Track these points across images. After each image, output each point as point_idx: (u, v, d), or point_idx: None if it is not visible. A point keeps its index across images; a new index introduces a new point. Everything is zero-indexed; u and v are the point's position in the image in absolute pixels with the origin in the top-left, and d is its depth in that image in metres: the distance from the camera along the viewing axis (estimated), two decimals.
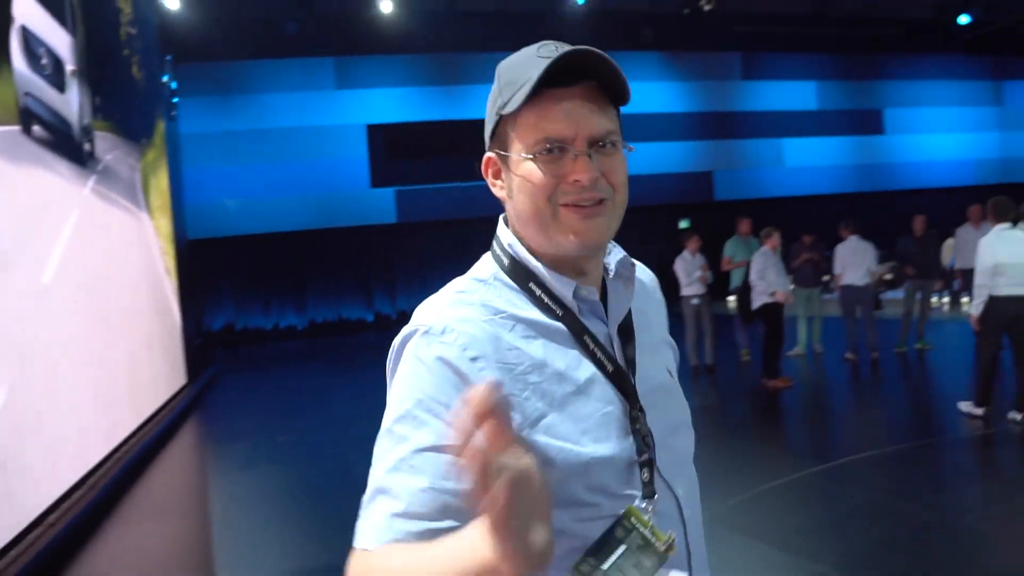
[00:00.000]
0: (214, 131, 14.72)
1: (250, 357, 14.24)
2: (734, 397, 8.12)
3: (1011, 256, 5.61)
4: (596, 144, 0.97)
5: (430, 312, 0.97)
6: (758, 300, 7.87)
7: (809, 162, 18.10)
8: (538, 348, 0.97)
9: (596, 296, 1.02)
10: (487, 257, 1.06)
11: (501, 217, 1.06)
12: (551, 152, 0.95)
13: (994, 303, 5.70)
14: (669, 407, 1.07)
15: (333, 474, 6.00)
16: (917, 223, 9.11)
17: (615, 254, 1.08)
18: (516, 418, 0.92)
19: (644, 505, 0.97)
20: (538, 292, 1.01)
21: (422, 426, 0.88)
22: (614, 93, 0.99)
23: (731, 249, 9.41)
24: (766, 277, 7.79)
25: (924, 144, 19.18)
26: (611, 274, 1.07)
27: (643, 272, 1.19)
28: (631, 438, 0.99)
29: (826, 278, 11.56)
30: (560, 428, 0.94)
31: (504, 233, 1.05)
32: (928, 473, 5.18)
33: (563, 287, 1.00)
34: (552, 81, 0.93)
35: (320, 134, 15.43)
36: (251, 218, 15.04)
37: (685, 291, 8.59)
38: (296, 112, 15.21)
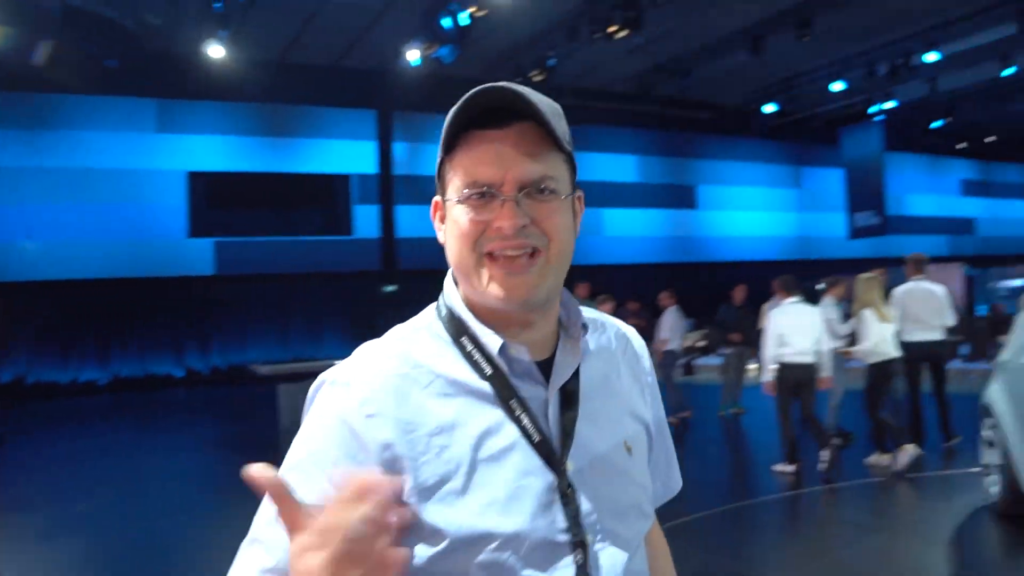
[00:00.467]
0: (20, 166, 15.79)
1: (44, 414, 14.81)
2: None
3: (794, 327, 7.44)
4: (526, 189, 1.04)
5: (347, 361, 1.08)
6: None
7: (627, 232, 21.75)
8: (453, 408, 1.04)
9: (526, 355, 1.08)
10: (431, 306, 1.17)
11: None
12: (480, 196, 1.04)
13: (781, 369, 7.50)
14: (614, 486, 1.11)
15: (141, 546, 6.16)
16: (737, 293, 11.07)
17: (571, 309, 1.17)
18: (408, 482, 0.99)
19: None
20: (469, 347, 1.09)
21: (307, 480, 0.97)
22: (555, 135, 1.04)
23: None
24: None
25: (733, 220, 23.69)
26: (565, 332, 1.15)
27: (617, 333, 1.28)
28: (555, 515, 1.04)
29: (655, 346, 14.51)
30: (461, 497, 1.00)
31: (447, 282, 1.16)
32: (748, 532, 6.35)
33: (490, 343, 1.07)
34: (484, 122, 1.05)
35: (136, 178, 16.99)
36: (53, 262, 16.20)
37: None
38: (112, 153, 16.67)
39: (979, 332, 16.00)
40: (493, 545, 1.00)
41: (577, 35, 14.68)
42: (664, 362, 10.98)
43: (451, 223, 1.09)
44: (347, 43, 16.29)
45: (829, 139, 24.30)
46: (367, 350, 1.11)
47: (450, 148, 1.09)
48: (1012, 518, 5.70)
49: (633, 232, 22.02)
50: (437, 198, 1.14)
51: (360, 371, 1.07)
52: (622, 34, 14.01)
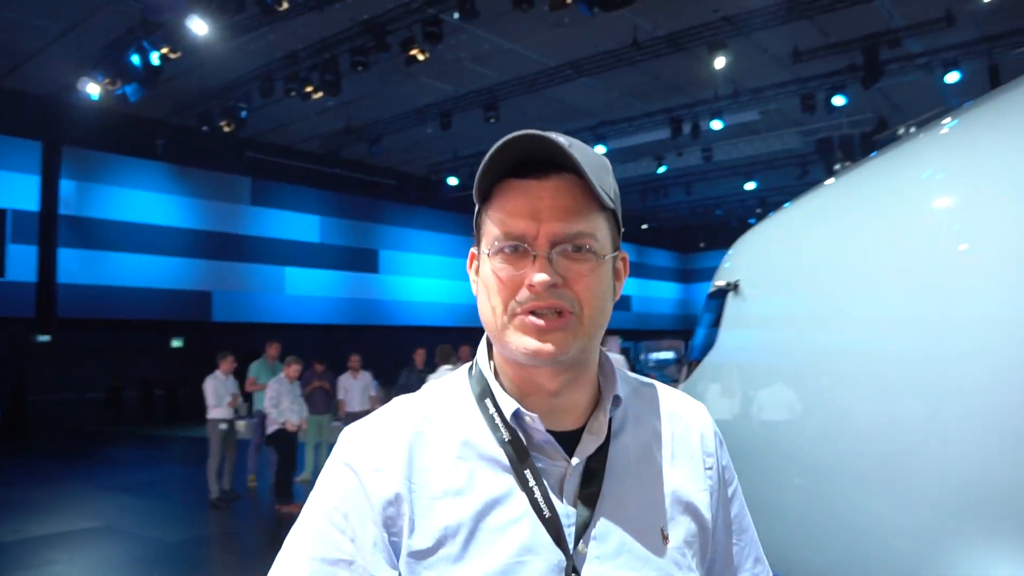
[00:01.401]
0: None
1: None
2: (253, 525, 9.31)
3: None
4: (561, 246, 1.02)
5: (375, 412, 1.11)
6: (271, 427, 9.37)
7: (309, 292, 21.92)
8: (463, 472, 1.04)
9: (540, 424, 1.05)
10: (468, 363, 1.17)
11: None
12: (513, 251, 1.02)
13: None
14: (650, 570, 1.04)
15: None
16: (418, 357, 11.46)
17: (608, 378, 1.14)
18: (403, 543, 1.01)
19: None
20: (491, 410, 1.09)
21: (318, 534, 1.03)
22: (595, 190, 1.01)
23: (256, 371, 10.86)
24: (279, 405, 9.34)
25: (413, 286, 24.66)
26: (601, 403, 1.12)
27: (673, 410, 1.20)
28: None
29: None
30: (454, 566, 0.99)
31: (483, 340, 1.15)
32: None
33: (506, 406, 1.07)
34: (523, 171, 1.02)
35: None
36: None
37: (213, 413, 9.70)
38: None
39: None
40: None
41: (271, 90, 14.89)
42: (349, 422, 11.38)
43: (484, 276, 1.09)
44: (12, 63, 15.14)
45: None
46: (395, 404, 1.14)
47: (486, 197, 1.09)
48: None
49: (315, 292, 22.23)
50: (474, 249, 1.15)
51: (379, 423, 1.10)
52: (318, 96, 14.50)
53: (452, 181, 22.41)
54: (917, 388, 2.68)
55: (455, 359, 9.10)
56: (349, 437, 1.09)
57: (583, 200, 1.04)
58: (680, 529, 1.10)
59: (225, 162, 19.82)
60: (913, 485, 2.64)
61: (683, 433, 1.19)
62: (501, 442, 1.06)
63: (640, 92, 17.22)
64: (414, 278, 25.00)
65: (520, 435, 1.07)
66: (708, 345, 5.26)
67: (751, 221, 29.01)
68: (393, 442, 1.06)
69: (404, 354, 12.31)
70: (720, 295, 5.06)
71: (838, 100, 15.05)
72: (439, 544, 1.01)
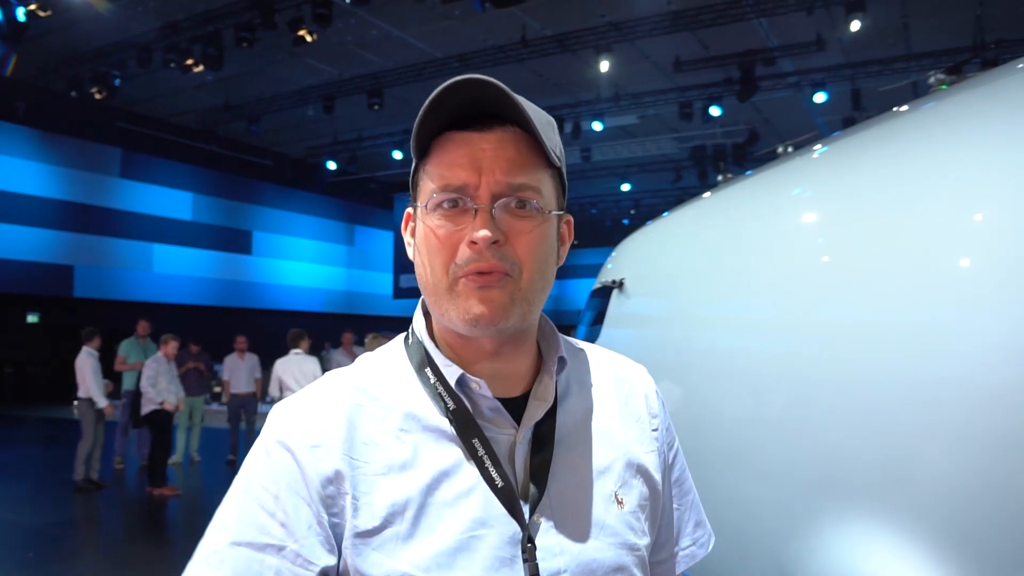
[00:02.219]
0: None
1: None
2: (121, 508, 8.98)
3: (294, 375, 8.58)
4: (504, 199, 0.96)
5: (306, 388, 1.03)
6: (147, 407, 9.12)
7: (179, 270, 21.24)
8: (407, 446, 0.97)
9: (488, 390, 1.00)
10: (401, 335, 1.11)
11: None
12: (452, 205, 0.96)
13: None
14: (592, 544, 1.00)
15: None
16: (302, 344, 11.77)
17: (551, 341, 1.10)
18: (346, 524, 0.93)
19: None
20: (432, 379, 1.02)
21: (244, 517, 0.94)
22: (543, 145, 0.96)
23: (126, 349, 10.48)
24: (157, 384, 9.13)
25: (286, 269, 24.23)
26: (544, 367, 1.07)
27: (616, 372, 1.18)
28: (514, 571, 0.94)
29: (217, 388, 14.20)
30: (404, 545, 0.93)
31: (417, 307, 1.09)
32: None
33: (449, 374, 1.01)
34: (464, 124, 0.97)
35: None
36: None
37: (89, 393, 9.25)
38: None
39: None
40: None
41: (149, 60, 14.36)
42: (232, 404, 11.33)
43: (420, 236, 1.03)
44: None
45: (384, 203, 26.25)
46: (328, 378, 1.06)
47: (424, 151, 1.03)
48: None
49: (184, 271, 21.54)
50: (409, 209, 1.09)
51: (313, 399, 1.02)
52: (198, 69, 14.08)
53: (331, 165, 22.13)
54: (781, 383, 2.94)
55: (306, 344, 9.26)
56: (281, 413, 1.01)
57: (528, 153, 1.00)
58: (633, 493, 1.08)
59: (94, 131, 18.97)
60: (776, 469, 2.90)
61: (628, 395, 1.16)
62: (445, 412, 1.00)
63: (525, 89, 17.19)
64: (288, 261, 24.54)
65: (466, 403, 1.01)
66: (590, 341, 5.55)
67: (625, 222, 29.93)
68: (330, 417, 0.98)
69: (276, 338, 12.12)
70: (604, 293, 5.30)
71: (714, 111, 15.69)
72: (386, 523, 0.93)
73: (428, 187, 1.00)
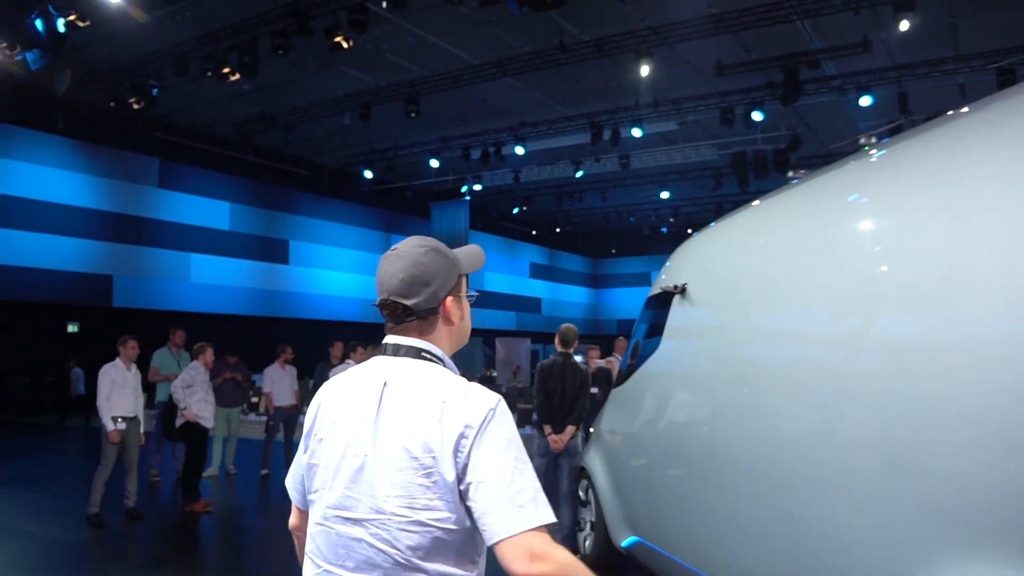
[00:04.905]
0: None
1: None
2: (156, 524, 8.43)
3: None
4: None
5: (487, 392, 1.71)
6: (183, 418, 8.66)
7: (217, 280, 21.26)
8: None
9: None
10: (438, 366, 1.81)
11: (416, 338, 1.82)
12: (472, 295, 1.98)
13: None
14: None
15: None
16: (335, 350, 10.83)
17: None
18: None
19: None
20: None
21: (523, 450, 1.66)
22: None
23: (159, 360, 10.08)
24: (193, 396, 8.68)
25: (323, 279, 24.19)
26: None
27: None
28: None
29: (255, 399, 13.93)
30: None
31: (427, 345, 1.83)
32: None
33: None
34: None
35: None
36: None
37: (111, 409, 7.99)
38: None
39: None
40: None
41: (186, 69, 14.33)
42: (274, 416, 10.94)
43: (468, 308, 1.95)
44: None
45: (421, 211, 26.11)
46: (478, 385, 1.74)
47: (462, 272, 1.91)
48: (604, 568, 6.42)
49: (222, 281, 21.55)
50: (450, 297, 1.86)
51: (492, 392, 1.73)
52: (235, 77, 14.03)
53: (368, 174, 22.09)
54: (885, 401, 2.67)
55: (359, 355, 9.17)
56: (504, 407, 1.69)
57: None
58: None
59: (132, 141, 19.06)
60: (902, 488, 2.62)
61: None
62: None
63: (562, 95, 17.25)
64: (324, 271, 24.49)
65: None
66: (648, 350, 5.19)
67: (663, 230, 29.64)
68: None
69: (312, 348, 11.91)
70: (662, 301, 4.97)
71: (756, 116, 15.34)
72: None
73: (466, 288, 1.94)
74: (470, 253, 1.96)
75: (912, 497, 2.46)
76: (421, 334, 1.80)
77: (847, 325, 2.96)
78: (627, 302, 35.56)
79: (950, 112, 2.91)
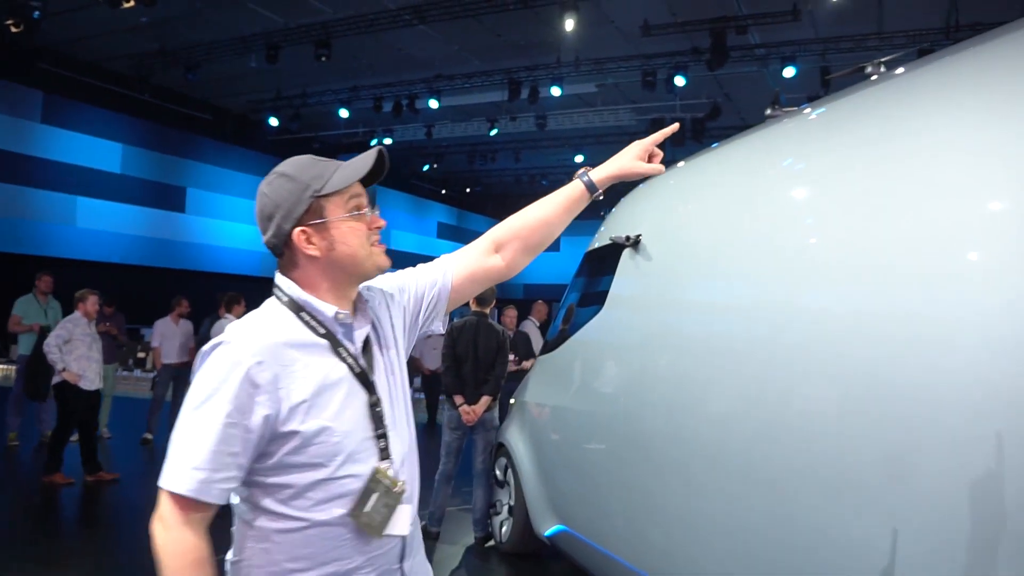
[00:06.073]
0: None
1: None
2: (14, 498, 7.69)
3: None
4: (375, 208, 1.78)
5: (232, 331, 1.62)
6: (58, 376, 7.85)
7: (105, 226, 19.80)
8: (305, 355, 1.64)
9: (350, 320, 1.75)
10: (271, 299, 1.75)
11: (277, 273, 1.77)
12: (363, 213, 1.74)
13: None
14: (396, 393, 1.82)
15: None
16: (236, 308, 9.97)
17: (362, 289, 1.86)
18: (286, 399, 1.59)
19: (384, 465, 1.69)
20: (307, 318, 1.70)
21: (212, 411, 1.53)
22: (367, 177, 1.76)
23: (22, 308, 9.25)
24: (73, 352, 7.80)
25: (223, 230, 22.90)
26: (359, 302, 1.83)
27: (375, 294, 1.93)
28: (370, 419, 1.70)
29: (142, 354, 12.85)
30: (316, 411, 1.61)
31: (283, 281, 1.74)
32: None
33: (327, 311, 1.70)
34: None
35: None
36: None
37: None
38: None
39: None
40: (344, 442, 1.65)
41: None
42: (161, 374, 10.17)
43: (347, 232, 1.73)
44: None
45: None
46: (242, 325, 1.66)
47: (332, 189, 1.72)
48: (519, 556, 5.93)
49: (111, 227, 20.07)
50: (299, 228, 1.71)
51: (245, 335, 1.62)
52: (129, 4, 12.78)
53: (273, 122, 20.84)
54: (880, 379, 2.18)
55: (240, 309, 8.76)
56: (227, 346, 1.62)
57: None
58: (401, 361, 1.91)
59: (12, 70, 17.37)
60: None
61: (381, 292, 1.95)
62: (320, 335, 1.71)
63: (481, 49, 16.46)
64: (224, 221, 23.14)
65: (332, 329, 1.73)
66: (587, 313, 4.57)
67: None
68: (261, 344, 1.62)
69: (209, 301, 11.08)
70: (607, 255, 4.34)
71: (679, 80, 14.89)
72: (302, 401, 1.62)
73: (345, 206, 1.75)
74: (342, 164, 1.76)
75: (875, 481, 2.25)
76: (286, 271, 1.77)
77: (831, 291, 2.45)
78: (534, 266, 35.08)
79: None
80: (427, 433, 11.25)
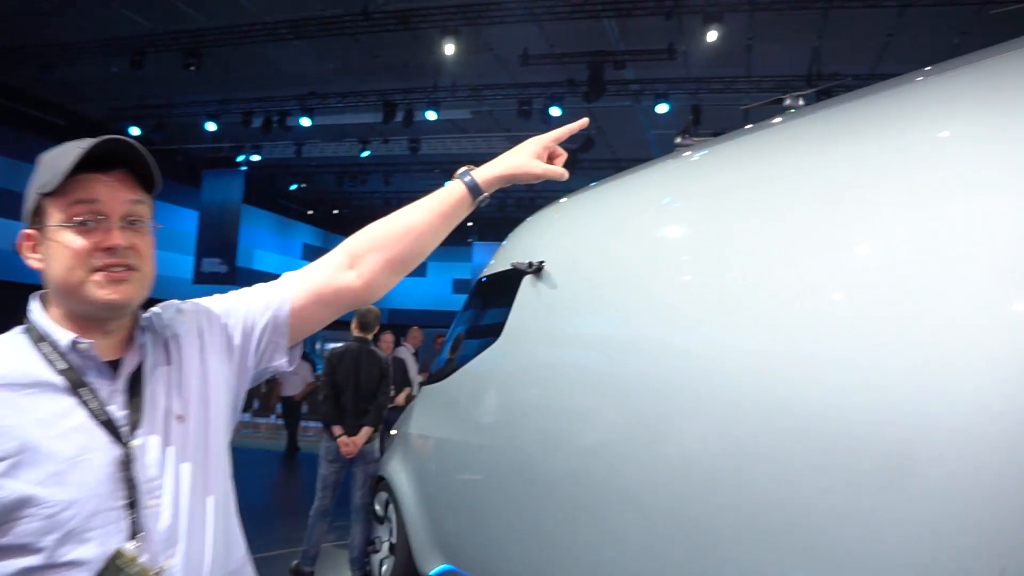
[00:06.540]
0: None
1: None
2: None
3: None
4: (127, 220, 1.36)
5: None
6: None
7: None
8: (24, 397, 1.26)
9: (94, 352, 1.35)
10: (19, 326, 1.41)
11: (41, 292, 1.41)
12: (87, 224, 1.32)
13: None
14: (186, 442, 1.40)
15: None
16: None
17: (138, 318, 1.48)
18: None
19: (130, 546, 1.24)
20: (46, 349, 1.33)
21: None
22: (146, 182, 1.41)
23: None
24: None
25: None
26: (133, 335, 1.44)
27: (184, 320, 1.57)
28: (117, 483, 1.27)
29: None
30: (22, 471, 1.20)
31: (32, 303, 1.41)
32: None
33: (62, 339, 1.34)
34: (93, 166, 1.32)
35: None
36: None
37: None
38: None
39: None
40: (49, 511, 1.21)
41: None
42: None
43: (58, 246, 1.34)
44: None
45: (191, 178, 24.03)
46: None
47: (55, 189, 1.33)
48: None
49: None
50: (27, 230, 1.39)
51: None
52: None
53: (134, 131, 19.82)
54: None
55: None
56: None
57: (138, 188, 1.42)
58: (210, 404, 1.49)
59: None
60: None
61: (198, 326, 1.57)
62: (58, 371, 1.32)
63: (357, 69, 16.26)
64: None
65: (76, 364, 1.34)
66: (480, 343, 4.43)
67: None
68: None
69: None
70: (504, 283, 4.22)
71: (555, 111, 15.12)
72: (4, 456, 1.21)
73: (66, 211, 1.35)
74: (54, 155, 1.40)
75: (781, 515, 2.21)
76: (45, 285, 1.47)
77: (751, 322, 2.46)
78: (400, 290, 34.86)
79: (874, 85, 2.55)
80: (286, 463, 10.80)
